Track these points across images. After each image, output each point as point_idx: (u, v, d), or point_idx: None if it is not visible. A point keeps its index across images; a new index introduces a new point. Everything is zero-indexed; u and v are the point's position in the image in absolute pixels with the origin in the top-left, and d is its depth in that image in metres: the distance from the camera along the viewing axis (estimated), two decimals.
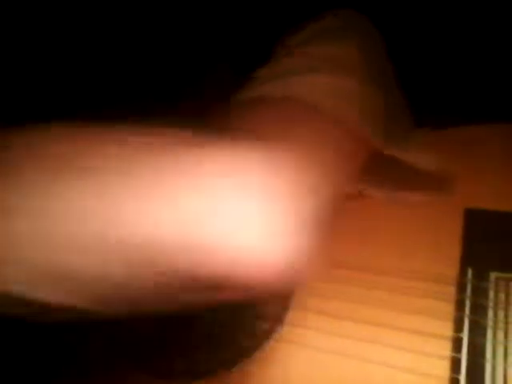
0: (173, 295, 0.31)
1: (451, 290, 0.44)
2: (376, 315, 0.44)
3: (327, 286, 0.46)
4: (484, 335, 0.40)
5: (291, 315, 0.47)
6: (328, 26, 0.46)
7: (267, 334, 0.48)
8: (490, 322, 0.41)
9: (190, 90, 0.67)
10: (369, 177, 0.45)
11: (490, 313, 0.41)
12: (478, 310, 0.42)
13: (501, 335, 0.40)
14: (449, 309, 0.43)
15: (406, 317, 0.43)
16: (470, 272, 0.44)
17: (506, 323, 0.41)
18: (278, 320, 0.48)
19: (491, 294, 0.43)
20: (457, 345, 0.40)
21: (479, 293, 0.43)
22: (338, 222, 0.46)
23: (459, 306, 0.42)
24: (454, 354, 0.40)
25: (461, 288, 0.44)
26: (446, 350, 0.40)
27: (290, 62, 0.43)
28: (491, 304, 0.42)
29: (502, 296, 0.42)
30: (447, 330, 0.41)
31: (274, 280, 0.29)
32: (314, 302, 0.46)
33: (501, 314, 0.41)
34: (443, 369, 0.40)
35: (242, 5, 0.61)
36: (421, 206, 0.50)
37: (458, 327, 0.41)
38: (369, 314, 0.44)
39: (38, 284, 0.29)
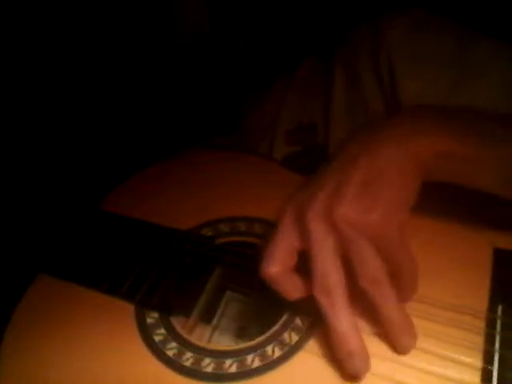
0: None
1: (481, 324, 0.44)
2: None
3: None
4: None
5: None
6: None
7: None
8: None
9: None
10: None
11: None
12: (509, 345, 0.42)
13: None
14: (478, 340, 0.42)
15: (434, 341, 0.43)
16: (499, 309, 0.45)
17: None
18: None
19: None
20: (486, 376, 0.40)
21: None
22: None
23: (489, 339, 0.42)
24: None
25: (491, 323, 0.44)
26: (475, 377, 0.40)
27: None
28: None
29: None
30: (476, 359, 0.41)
31: None
32: None
33: None
34: None
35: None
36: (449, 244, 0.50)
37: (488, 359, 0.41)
38: None
39: None
